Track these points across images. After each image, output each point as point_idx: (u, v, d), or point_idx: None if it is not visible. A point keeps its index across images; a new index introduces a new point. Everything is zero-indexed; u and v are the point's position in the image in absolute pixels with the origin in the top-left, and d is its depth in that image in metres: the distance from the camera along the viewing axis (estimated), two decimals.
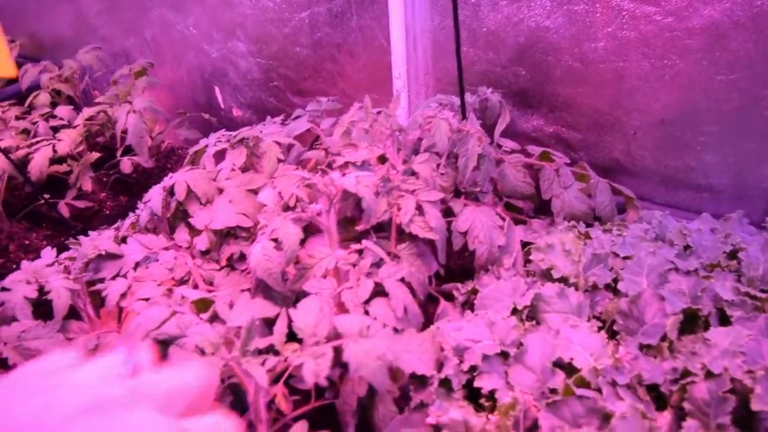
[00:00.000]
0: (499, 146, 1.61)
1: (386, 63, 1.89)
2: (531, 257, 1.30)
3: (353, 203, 1.34)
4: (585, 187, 1.52)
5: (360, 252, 1.22)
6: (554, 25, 1.57)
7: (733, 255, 1.32)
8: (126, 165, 1.99)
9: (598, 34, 1.52)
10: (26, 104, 2.24)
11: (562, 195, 1.49)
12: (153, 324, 1.02)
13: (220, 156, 1.62)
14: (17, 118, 2.13)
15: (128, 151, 2.04)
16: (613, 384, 1.03)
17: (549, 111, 1.71)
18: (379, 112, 1.54)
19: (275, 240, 1.16)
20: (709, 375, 0.99)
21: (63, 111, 2.14)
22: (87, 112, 2.02)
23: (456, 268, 1.56)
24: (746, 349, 1.03)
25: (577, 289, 1.23)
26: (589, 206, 1.49)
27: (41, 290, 1.16)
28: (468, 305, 1.35)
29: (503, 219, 1.43)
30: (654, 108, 1.54)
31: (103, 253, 1.26)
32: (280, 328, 1.00)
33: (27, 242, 1.92)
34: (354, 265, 1.18)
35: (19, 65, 2.45)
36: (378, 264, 1.23)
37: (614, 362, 1.06)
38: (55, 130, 2.07)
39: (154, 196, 1.37)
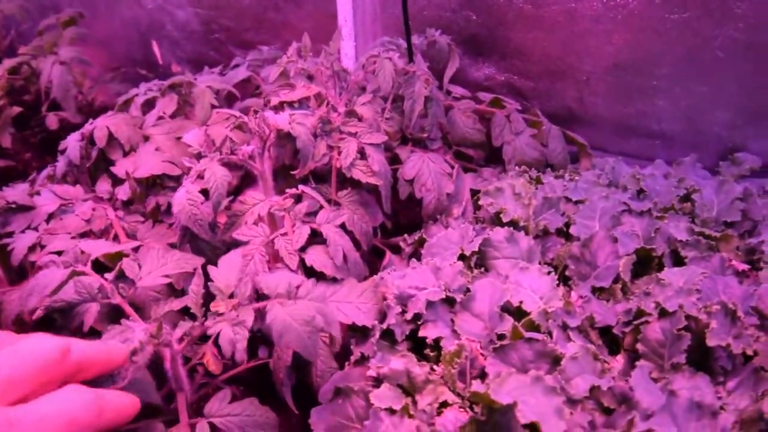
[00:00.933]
0: (449, 93, 1.53)
1: (332, 11, 1.77)
2: (480, 202, 1.23)
3: (291, 150, 1.24)
4: (537, 133, 1.45)
5: (297, 198, 1.13)
6: None
7: (686, 198, 1.28)
8: (52, 120, 1.85)
9: None
10: None
11: (513, 141, 1.42)
12: (48, 288, 0.90)
13: (150, 105, 1.50)
14: None
15: (55, 107, 1.89)
16: (564, 327, 0.97)
17: (500, 58, 1.64)
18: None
19: (202, 185, 1.06)
20: (663, 314, 0.94)
21: None
22: (7, 63, 1.86)
23: (405, 223, 1.48)
24: (701, 287, 0.99)
25: (527, 233, 1.17)
26: (541, 153, 1.43)
27: None
28: (415, 256, 1.28)
29: (452, 166, 1.35)
30: (606, 52, 1.48)
31: (12, 205, 1.14)
32: (196, 288, 0.89)
33: None
34: (289, 212, 1.09)
35: None
36: (316, 212, 1.14)
37: (565, 305, 1.00)
38: None
39: (72, 143, 1.26)
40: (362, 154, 1.19)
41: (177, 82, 1.44)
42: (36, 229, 1.11)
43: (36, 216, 1.13)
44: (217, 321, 0.79)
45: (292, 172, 1.18)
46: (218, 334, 0.85)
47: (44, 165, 1.91)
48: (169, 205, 1.23)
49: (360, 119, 1.23)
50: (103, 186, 1.24)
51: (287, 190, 1.12)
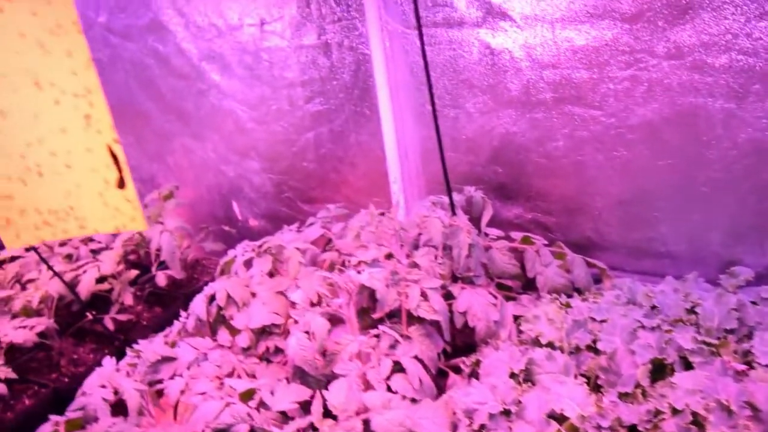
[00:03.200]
0: (486, 235, 1.88)
1: (383, 170, 2.18)
2: (521, 327, 1.53)
3: (368, 296, 1.58)
4: (563, 263, 1.77)
5: (378, 336, 1.46)
6: (520, 130, 1.88)
7: (692, 310, 1.56)
8: (161, 278, 2.25)
9: (557, 135, 1.82)
10: None
11: (544, 272, 1.74)
12: (210, 416, 1.24)
13: (248, 264, 1.88)
14: (61, 244, 2.40)
15: (161, 265, 2.30)
16: (598, 428, 1.24)
17: (526, 200, 1.99)
18: (382, 214, 1.82)
19: (307, 332, 1.40)
20: (674, 412, 1.20)
21: (100, 235, 2.41)
22: (124, 234, 2.29)
23: (461, 345, 1.78)
24: (703, 387, 1.25)
25: (562, 351, 1.46)
26: (568, 279, 1.73)
27: (115, 392, 1.38)
28: (473, 375, 1.57)
29: (496, 297, 1.67)
30: (611, 191, 1.82)
31: (160, 358, 1.49)
32: (317, 408, 1.22)
33: (75, 356, 2.14)
34: (374, 348, 1.41)
35: None
36: (393, 345, 1.46)
37: (598, 410, 1.27)
38: (95, 252, 2.33)
39: (198, 304, 1.62)
40: (424, 296, 1.51)
41: (270, 246, 1.82)
42: (181, 375, 1.45)
43: (179, 365, 1.48)
44: (335, 430, 1.10)
45: (372, 316, 1.51)
46: None
47: (154, 315, 2.30)
48: (276, 347, 1.57)
49: (419, 268, 1.58)
50: (223, 335, 1.58)
51: (370, 331, 1.45)
